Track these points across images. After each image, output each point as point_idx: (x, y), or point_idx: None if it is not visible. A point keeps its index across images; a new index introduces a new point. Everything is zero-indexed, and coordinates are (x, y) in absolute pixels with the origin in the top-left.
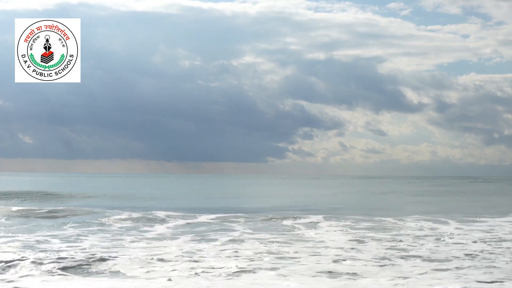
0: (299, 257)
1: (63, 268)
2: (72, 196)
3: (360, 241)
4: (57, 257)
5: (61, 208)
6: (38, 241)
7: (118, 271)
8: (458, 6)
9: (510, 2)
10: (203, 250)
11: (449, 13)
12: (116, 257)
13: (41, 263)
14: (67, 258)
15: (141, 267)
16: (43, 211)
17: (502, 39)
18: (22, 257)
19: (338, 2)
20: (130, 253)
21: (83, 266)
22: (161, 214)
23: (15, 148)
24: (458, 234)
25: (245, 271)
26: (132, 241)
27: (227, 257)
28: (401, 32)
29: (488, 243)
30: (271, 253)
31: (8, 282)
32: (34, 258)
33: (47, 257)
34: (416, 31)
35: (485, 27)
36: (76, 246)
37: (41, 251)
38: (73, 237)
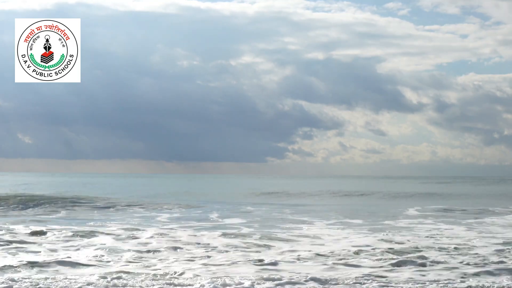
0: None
1: None
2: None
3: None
4: None
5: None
6: None
7: None
8: (456, 5)
9: (509, 1)
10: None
11: (447, 13)
12: None
13: None
14: None
15: None
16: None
17: (501, 39)
18: None
19: (337, 1)
20: None
21: None
22: None
23: (15, 148)
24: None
25: None
26: None
27: None
28: (399, 32)
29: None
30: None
31: None
32: None
33: None
34: (415, 31)
35: (484, 27)
36: None
37: None
38: None
